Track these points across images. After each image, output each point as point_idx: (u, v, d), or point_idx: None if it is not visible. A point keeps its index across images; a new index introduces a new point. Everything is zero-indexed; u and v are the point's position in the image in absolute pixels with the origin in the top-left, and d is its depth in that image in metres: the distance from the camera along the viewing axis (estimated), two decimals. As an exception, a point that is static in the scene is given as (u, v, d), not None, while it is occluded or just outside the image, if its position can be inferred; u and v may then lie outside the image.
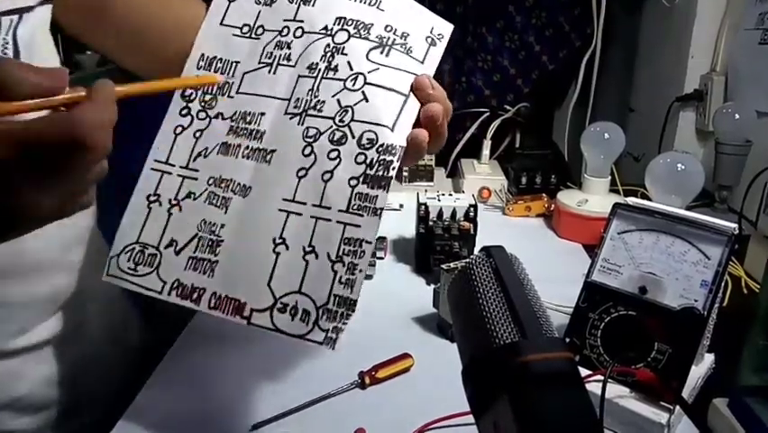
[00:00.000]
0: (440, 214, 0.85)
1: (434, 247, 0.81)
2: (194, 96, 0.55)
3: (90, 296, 0.64)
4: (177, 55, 0.58)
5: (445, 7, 1.41)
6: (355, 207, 0.48)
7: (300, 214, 0.49)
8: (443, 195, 0.88)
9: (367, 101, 0.49)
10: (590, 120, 1.42)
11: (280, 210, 0.50)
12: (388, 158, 0.48)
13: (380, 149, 0.48)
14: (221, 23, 0.57)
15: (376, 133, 0.49)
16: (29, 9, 0.53)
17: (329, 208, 0.48)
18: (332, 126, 0.50)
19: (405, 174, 1.19)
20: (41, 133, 0.35)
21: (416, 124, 0.50)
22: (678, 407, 0.52)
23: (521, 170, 1.12)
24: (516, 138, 1.45)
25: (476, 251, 0.80)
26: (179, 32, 0.59)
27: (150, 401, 0.58)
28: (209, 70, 0.56)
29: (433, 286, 0.75)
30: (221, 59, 0.56)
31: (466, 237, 0.83)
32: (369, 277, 0.83)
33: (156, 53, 0.62)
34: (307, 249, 0.48)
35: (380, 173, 0.48)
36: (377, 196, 0.47)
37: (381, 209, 0.47)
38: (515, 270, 0.37)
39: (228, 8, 0.57)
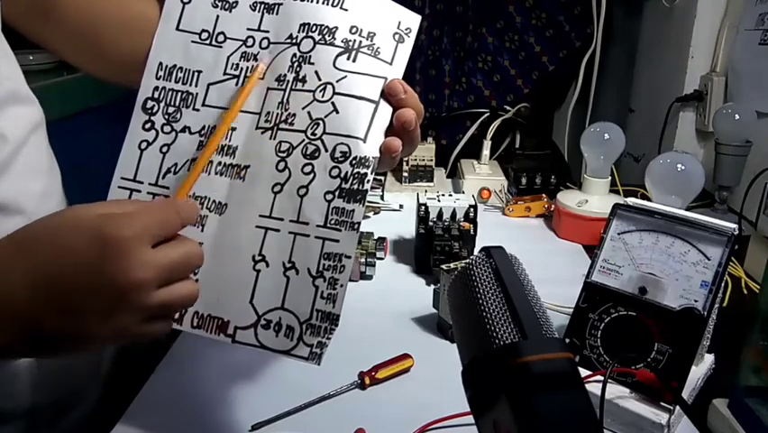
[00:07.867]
0: (440, 214, 0.85)
1: (433, 247, 0.81)
2: (156, 108, 0.54)
3: None
4: (126, 55, 0.56)
5: (445, 7, 1.41)
6: (333, 222, 0.47)
7: (278, 230, 0.49)
8: (443, 195, 0.88)
9: (337, 112, 0.49)
10: (590, 120, 1.42)
11: (258, 227, 0.49)
12: (362, 171, 0.48)
13: (354, 162, 0.48)
14: (177, 29, 0.55)
15: (348, 146, 0.48)
16: None
17: (307, 224, 0.48)
18: (304, 140, 0.49)
19: (405, 174, 1.19)
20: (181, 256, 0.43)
21: (389, 128, 0.50)
22: (678, 407, 0.52)
23: (521, 171, 1.12)
24: (516, 138, 1.45)
25: (476, 251, 0.80)
26: (129, 32, 0.57)
27: (149, 401, 0.58)
28: (169, 80, 0.54)
29: (433, 286, 0.75)
30: (181, 67, 0.54)
31: (466, 238, 0.83)
32: (369, 277, 0.83)
33: (103, 52, 0.60)
34: (287, 265, 0.48)
35: (355, 186, 0.47)
36: (353, 210, 0.47)
37: (359, 223, 0.47)
38: (515, 270, 0.37)
39: (183, 11, 0.55)
